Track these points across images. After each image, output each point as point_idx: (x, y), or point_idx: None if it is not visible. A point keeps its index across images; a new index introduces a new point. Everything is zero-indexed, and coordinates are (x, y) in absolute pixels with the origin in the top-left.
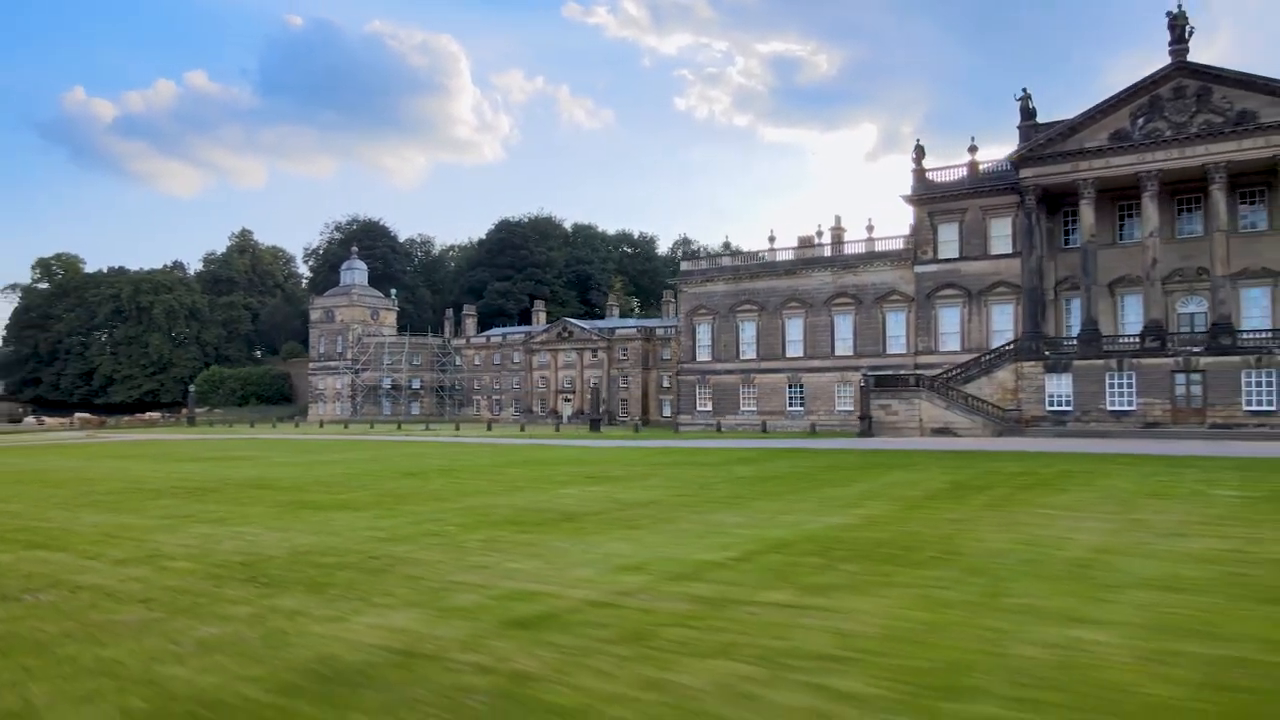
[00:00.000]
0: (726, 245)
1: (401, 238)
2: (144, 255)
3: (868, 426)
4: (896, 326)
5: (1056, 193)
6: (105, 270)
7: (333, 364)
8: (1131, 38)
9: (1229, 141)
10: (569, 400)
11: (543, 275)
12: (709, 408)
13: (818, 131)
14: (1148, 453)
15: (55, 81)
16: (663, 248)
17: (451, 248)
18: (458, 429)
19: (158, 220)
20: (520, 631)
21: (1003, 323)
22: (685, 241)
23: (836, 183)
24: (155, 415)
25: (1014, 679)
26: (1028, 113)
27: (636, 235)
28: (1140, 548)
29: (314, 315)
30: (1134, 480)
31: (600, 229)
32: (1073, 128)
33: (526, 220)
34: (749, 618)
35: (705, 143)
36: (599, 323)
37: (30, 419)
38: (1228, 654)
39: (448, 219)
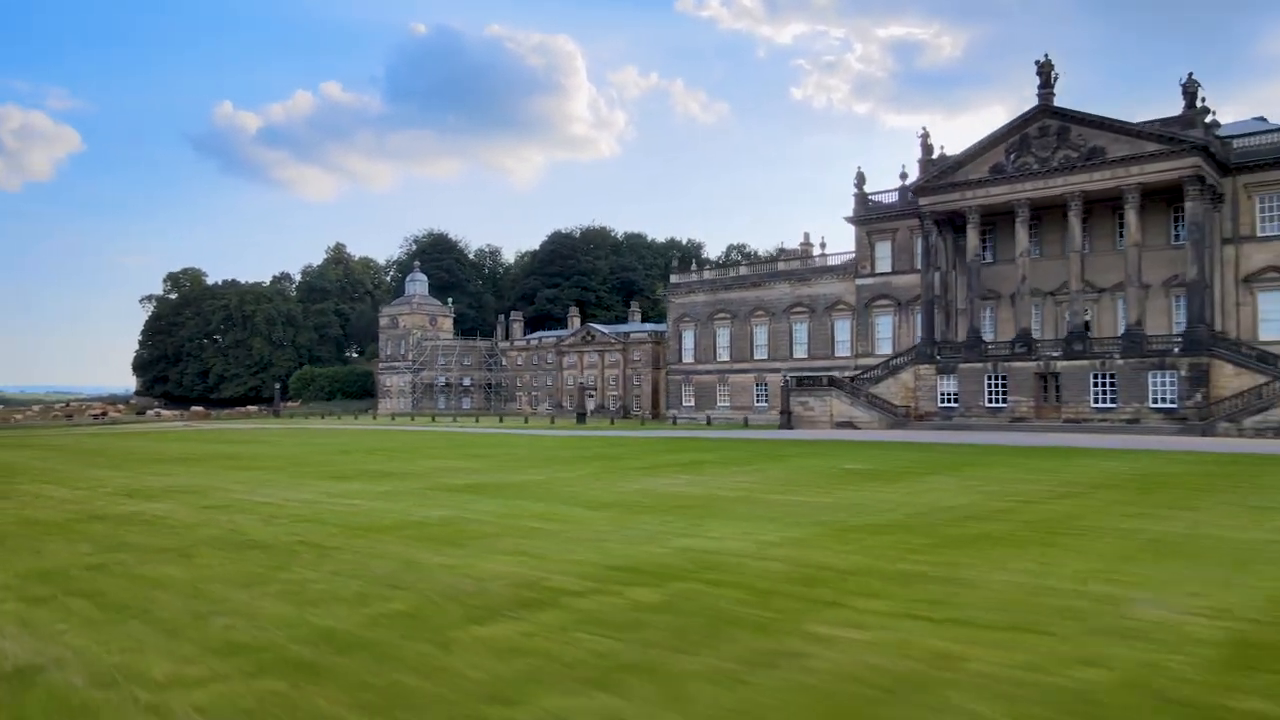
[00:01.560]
0: (810, 240)
1: (475, 246)
2: (285, 256)
3: (787, 420)
4: (843, 332)
5: (959, 215)
6: (220, 282)
7: (396, 364)
8: None
9: (1083, 174)
10: (592, 396)
11: (588, 282)
12: (693, 403)
13: (942, 116)
14: (951, 442)
15: (207, 97)
16: (713, 252)
17: (524, 254)
18: (500, 420)
19: (298, 222)
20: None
21: (917, 329)
22: (738, 247)
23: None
24: (253, 409)
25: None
26: (927, 149)
27: (685, 241)
28: (742, 495)
29: (382, 321)
30: (831, 457)
31: (650, 237)
32: (960, 162)
33: (578, 232)
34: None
35: (823, 132)
36: (619, 327)
37: (151, 412)
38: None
39: (560, 216)
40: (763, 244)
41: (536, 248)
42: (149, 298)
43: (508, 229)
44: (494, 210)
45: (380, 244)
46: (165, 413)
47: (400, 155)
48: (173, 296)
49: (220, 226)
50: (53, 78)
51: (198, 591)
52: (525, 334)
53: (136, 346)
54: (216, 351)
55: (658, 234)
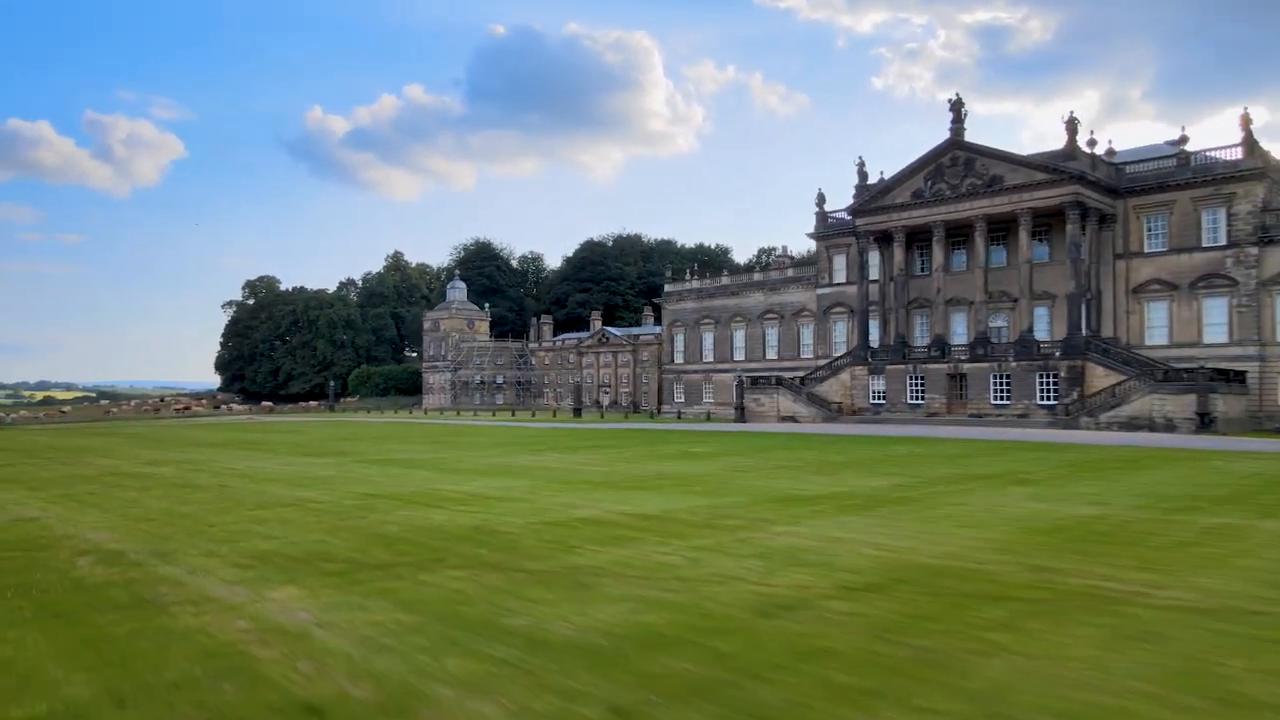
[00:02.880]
0: (793, 251)
1: (520, 253)
2: (370, 253)
3: (741, 415)
4: (807, 336)
5: (891, 234)
6: (290, 289)
7: (438, 363)
8: None
9: (985, 199)
10: (607, 393)
11: (616, 287)
12: (683, 399)
13: (1031, 103)
14: (849, 433)
15: (300, 103)
16: (742, 256)
17: (568, 258)
18: (513, 414)
19: (383, 222)
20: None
21: (873, 334)
22: (767, 250)
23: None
24: (313, 404)
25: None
26: (862, 175)
27: (713, 246)
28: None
29: (426, 325)
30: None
31: (679, 244)
32: (888, 187)
33: (611, 240)
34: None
35: (906, 122)
36: (630, 329)
37: (225, 406)
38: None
39: (646, 213)
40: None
41: (570, 254)
42: (230, 303)
43: (582, 226)
44: (571, 207)
45: (453, 244)
46: (237, 407)
47: (480, 155)
48: (250, 302)
49: (311, 227)
50: (157, 87)
51: (140, 499)
52: (554, 336)
53: (218, 347)
54: (285, 352)
55: (721, 235)
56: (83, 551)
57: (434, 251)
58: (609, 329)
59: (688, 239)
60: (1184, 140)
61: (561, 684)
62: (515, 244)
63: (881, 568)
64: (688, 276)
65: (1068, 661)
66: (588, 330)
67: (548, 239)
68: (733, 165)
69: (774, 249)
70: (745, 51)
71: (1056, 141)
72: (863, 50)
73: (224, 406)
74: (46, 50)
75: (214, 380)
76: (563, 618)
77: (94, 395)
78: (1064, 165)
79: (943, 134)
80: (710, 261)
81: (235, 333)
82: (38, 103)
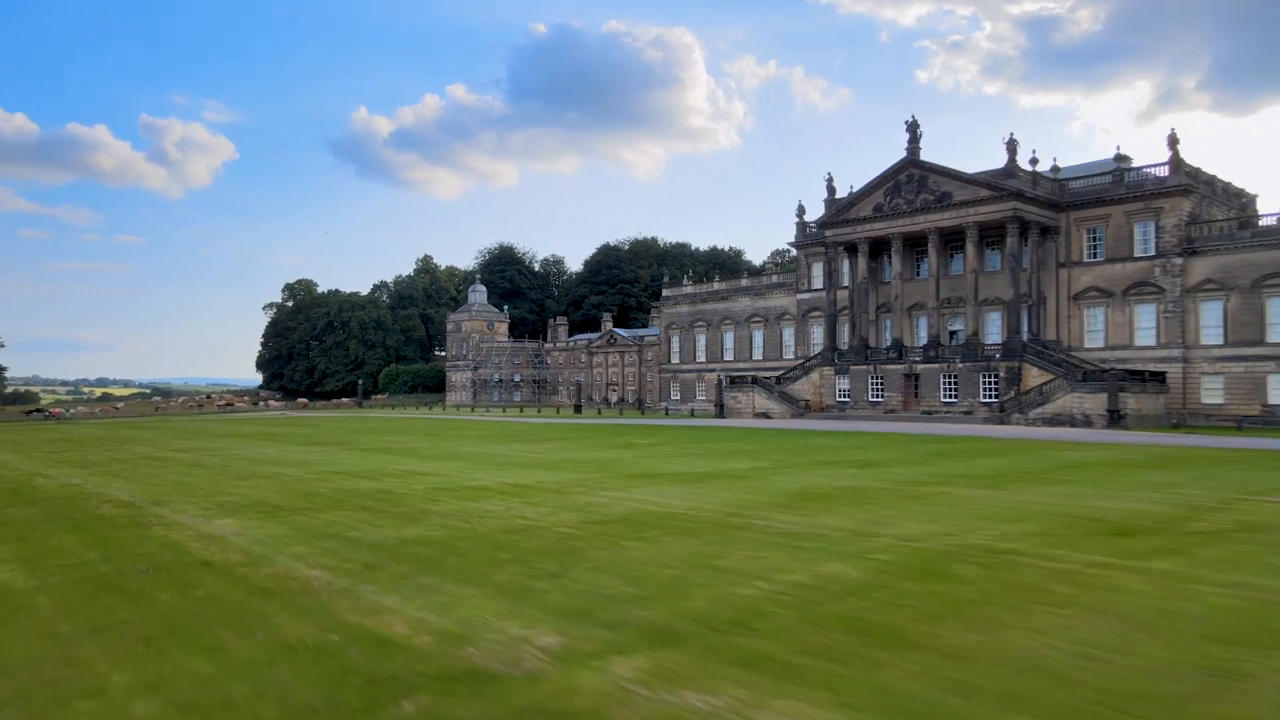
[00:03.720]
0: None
1: (542, 256)
2: (405, 254)
3: (720, 411)
4: (788, 338)
5: (856, 245)
6: (326, 291)
7: (459, 363)
8: None
9: (936, 214)
10: (615, 390)
11: (630, 289)
12: (679, 397)
13: (1080, 94)
14: (810, 429)
15: (344, 104)
16: (758, 257)
17: (586, 262)
18: (520, 410)
19: (424, 221)
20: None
21: (845, 336)
22: (780, 252)
23: (1095, 148)
24: (345, 400)
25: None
26: (830, 190)
27: (726, 249)
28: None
29: (449, 326)
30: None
31: (693, 246)
32: (852, 201)
33: (626, 244)
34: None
35: (952, 115)
36: (638, 331)
37: (263, 403)
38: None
39: (683, 211)
40: None
41: (587, 258)
42: (270, 305)
43: (620, 222)
44: (610, 204)
45: (480, 247)
46: (274, 403)
47: (522, 153)
48: (289, 304)
49: (355, 226)
50: (208, 91)
51: (157, 474)
52: (569, 336)
53: (259, 347)
54: (320, 351)
55: (748, 233)
56: (106, 501)
57: (472, 248)
58: (616, 330)
59: (717, 240)
60: (1123, 159)
61: (355, 555)
62: (551, 243)
63: (632, 513)
64: (684, 282)
65: (657, 554)
66: (599, 331)
67: (586, 236)
68: (774, 161)
69: (786, 251)
70: (786, 46)
71: (1105, 135)
72: (906, 43)
73: (262, 403)
74: (103, 56)
75: (258, 378)
76: (384, 532)
77: (148, 391)
78: (1003, 183)
79: (987, 127)
80: (723, 264)
81: (275, 333)
82: (96, 107)
